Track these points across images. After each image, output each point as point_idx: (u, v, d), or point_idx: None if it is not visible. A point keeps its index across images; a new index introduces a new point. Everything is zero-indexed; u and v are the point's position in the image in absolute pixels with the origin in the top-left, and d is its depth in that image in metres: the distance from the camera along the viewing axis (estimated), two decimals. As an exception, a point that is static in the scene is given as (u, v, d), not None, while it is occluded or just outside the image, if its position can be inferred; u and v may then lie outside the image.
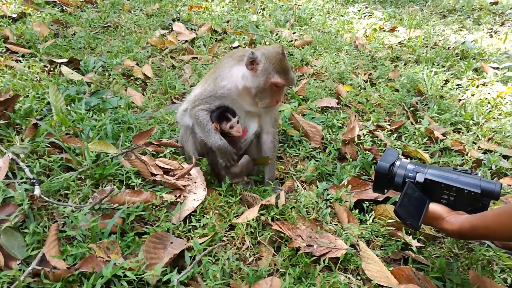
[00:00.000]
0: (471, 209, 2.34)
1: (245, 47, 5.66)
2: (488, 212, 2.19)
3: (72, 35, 5.31)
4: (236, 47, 5.71)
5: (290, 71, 3.00)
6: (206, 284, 2.26)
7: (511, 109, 4.76)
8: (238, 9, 7.36)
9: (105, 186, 2.88)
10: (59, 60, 4.44)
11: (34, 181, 2.70)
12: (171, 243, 2.48)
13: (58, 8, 6.09)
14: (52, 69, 4.33)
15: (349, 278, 2.51)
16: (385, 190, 2.65)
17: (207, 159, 3.20)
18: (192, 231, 2.66)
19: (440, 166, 3.75)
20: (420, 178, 2.42)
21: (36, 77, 4.11)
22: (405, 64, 5.91)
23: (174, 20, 6.32)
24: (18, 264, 2.24)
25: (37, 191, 2.58)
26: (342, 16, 7.84)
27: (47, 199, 2.59)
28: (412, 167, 2.49)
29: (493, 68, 5.76)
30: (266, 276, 2.42)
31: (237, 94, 3.06)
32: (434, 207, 2.36)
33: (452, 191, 2.36)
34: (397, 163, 2.54)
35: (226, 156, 3.06)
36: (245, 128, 3.20)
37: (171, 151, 3.34)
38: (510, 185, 3.59)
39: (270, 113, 3.22)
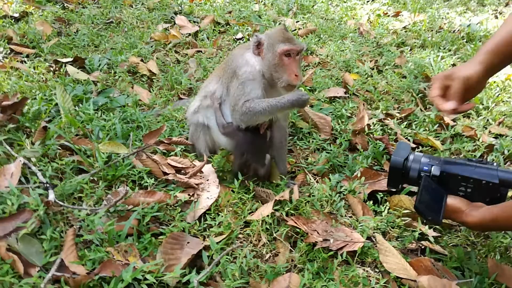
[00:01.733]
0: (489, 200, 2.32)
1: (249, 39, 5.61)
2: (510, 203, 2.17)
3: (75, 32, 5.28)
4: (240, 39, 5.66)
5: (296, 39, 2.94)
6: (226, 284, 2.26)
7: (520, 91, 4.72)
8: (240, -1, 7.29)
9: (118, 187, 2.87)
10: (64, 60, 4.42)
11: (48, 185, 2.70)
12: (188, 243, 2.48)
13: (59, 6, 6.04)
14: (57, 68, 4.31)
15: (367, 271, 2.51)
16: (400, 186, 2.63)
17: (236, 161, 3.11)
18: (208, 230, 2.66)
19: (452, 152, 3.73)
20: (436, 171, 2.39)
21: (42, 78, 4.10)
22: (411, 50, 5.85)
23: (176, 13, 6.27)
24: (37, 271, 2.24)
25: (51, 196, 2.57)
26: (345, 2, 7.75)
27: (61, 203, 2.58)
28: (426, 160, 2.46)
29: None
30: (284, 272, 2.42)
31: (258, 78, 2.99)
32: (452, 201, 2.33)
33: (470, 182, 2.33)
34: (411, 157, 2.51)
35: (303, 101, 2.87)
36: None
37: (181, 149, 3.33)
38: (523, 170, 3.56)
39: None
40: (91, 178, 2.91)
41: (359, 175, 3.18)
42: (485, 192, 2.33)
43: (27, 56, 4.54)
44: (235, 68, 3.03)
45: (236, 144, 3.11)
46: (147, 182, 2.91)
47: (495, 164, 2.40)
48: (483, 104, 4.49)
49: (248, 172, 3.07)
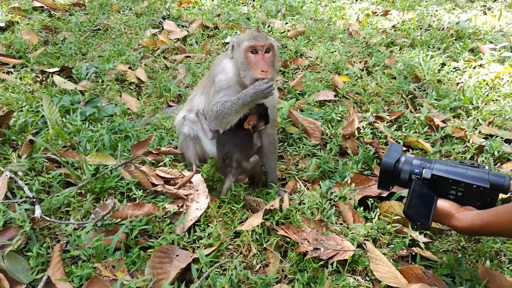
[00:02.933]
0: (480, 204, 2.31)
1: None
2: (501, 208, 2.15)
3: (62, 41, 5.23)
4: (229, 43, 5.62)
5: (266, 36, 2.92)
6: (215, 298, 2.24)
7: (509, 90, 4.72)
8: (228, 1, 7.25)
9: (106, 200, 2.85)
10: (51, 70, 4.38)
11: (34, 200, 2.67)
12: (177, 255, 2.46)
13: (46, 14, 5.99)
14: (44, 79, 4.27)
15: (358, 280, 2.50)
16: (391, 187, 2.62)
17: (219, 153, 3.08)
18: (197, 241, 2.64)
19: (442, 154, 3.72)
20: (427, 174, 2.37)
21: (29, 89, 4.06)
22: (400, 49, 5.85)
23: (164, 18, 6.23)
24: (24, 289, 2.22)
25: (37, 211, 2.54)
26: (333, 2, 7.74)
27: (48, 218, 2.56)
28: (417, 162, 2.45)
29: (490, 48, 5.70)
30: (275, 284, 2.40)
31: (234, 84, 2.95)
32: (443, 204, 2.32)
33: (461, 186, 2.32)
34: (402, 158, 2.49)
35: (263, 90, 2.72)
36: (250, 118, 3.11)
37: (170, 158, 3.31)
38: (513, 170, 3.57)
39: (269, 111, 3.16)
40: (79, 191, 2.89)
41: (349, 181, 3.16)
42: (476, 196, 2.31)
43: (14, 66, 4.50)
44: (214, 76, 3.02)
45: (218, 138, 3.09)
46: (135, 194, 2.88)
47: (487, 167, 2.39)
48: (472, 104, 4.49)
49: (231, 164, 3.02)
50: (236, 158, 3.00)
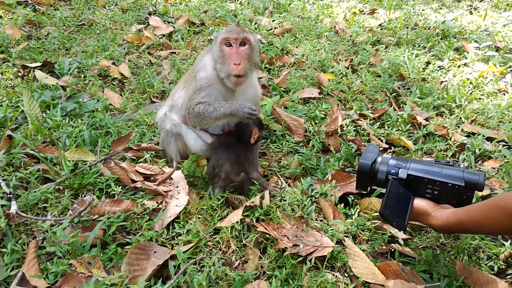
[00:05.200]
0: (456, 202, 2.33)
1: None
2: (474, 206, 2.17)
3: (45, 36, 5.16)
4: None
5: (243, 30, 2.93)
6: (192, 294, 2.22)
7: (492, 88, 4.76)
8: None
9: (84, 196, 2.82)
10: (33, 65, 4.32)
11: (11, 195, 2.64)
12: (155, 252, 2.43)
13: (30, 8, 5.90)
14: (25, 74, 4.21)
15: (336, 276, 2.50)
16: (368, 188, 2.63)
17: (212, 160, 3.05)
18: (176, 238, 2.62)
19: (425, 152, 3.74)
20: (403, 174, 2.39)
21: (10, 84, 4.00)
22: (386, 48, 5.87)
23: (150, 14, 6.19)
24: (-3, 286, 2.19)
25: (13, 207, 2.51)
26: (321, 0, 7.74)
27: (24, 215, 2.52)
28: (394, 162, 2.47)
29: (474, 47, 5.74)
30: (253, 280, 2.39)
31: (215, 81, 2.96)
32: (419, 203, 2.34)
33: (436, 185, 2.34)
34: (379, 159, 2.51)
35: (245, 110, 2.80)
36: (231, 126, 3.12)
37: (151, 154, 3.28)
38: (494, 168, 3.59)
39: None
40: (57, 187, 2.85)
41: (330, 178, 3.16)
42: (451, 194, 2.33)
43: (-5, 61, 4.43)
44: (195, 72, 3.02)
45: (217, 144, 3.07)
46: (114, 190, 2.85)
47: (462, 165, 2.41)
48: (455, 102, 4.52)
49: (219, 174, 2.99)
50: (225, 169, 2.98)
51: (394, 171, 2.44)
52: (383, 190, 3.01)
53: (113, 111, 3.94)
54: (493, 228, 2.08)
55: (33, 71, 4.19)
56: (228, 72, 2.82)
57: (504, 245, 2.70)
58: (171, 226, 2.69)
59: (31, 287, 2.16)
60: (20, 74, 4.22)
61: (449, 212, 2.22)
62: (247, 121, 2.88)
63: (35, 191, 2.74)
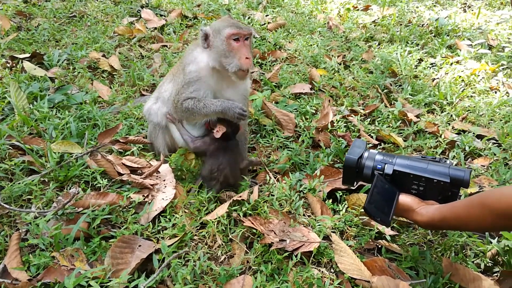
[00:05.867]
0: (441, 198, 2.32)
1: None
2: (459, 203, 2.16)
3: (35, 27, 5.11)
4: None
5: (243, 24, 2.94)
6: (175, 288, 2.20)
7: (484, 86, 4.76)
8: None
9: (70, 189, 2.78)
10: (21, 56, 4.27)
11: (-5, 187, 2.61)
12: (139, 246, 2.41)
13: (21, -1, 5.85)
14: (14, 65, 4.16)
15: (322, 272, 2.48)
16: (355, 183, 2.62)
17: (208, 163, 2.99)
18: (161, 232, 2.60)
19: (415, 149, 3.73)
20: (388, 169, 2.38)
21: (-3, 75, 3.95)
22: (379, 44, 5.85)
23: (142, 7, 6.14)
24: (-22, 278, 2.15)
25: (-4, 199, 2.48)
26: (315, -5, 7.71)
27: (7, 206, 2.49)
28: (380, 157, 2.45)
29: (467, 45, 5.73)
30: (238, 275, 2.37)
31: (206, 75, 2.93)
32: (404, 199, 2.33)
33: (422, 181, 2.33)
34: (365, 154, 2.50)
35: (236, 111, 2.83)
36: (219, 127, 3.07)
37: (139, 147, 3.25)
38: (484, 166, 3.59)
39: (239, 103, 3.12)
40: (42, 179, 2.82)
41: (319, 173, 3.14)
42: (437, 190, 2.32)
43: (-17, 52, 4.37)
44: (184, 65, 2.98)
45: (214, 149, 3.01)
46: (100, 183, 2.82)
47: (448, 162, 2.40)
48: (447, 100, 4.51)
49: (218, 178, 2.93)
50: (225, 174, 2.93)
51: (380, 166, 2.42)
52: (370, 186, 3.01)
53: (102, 104, 3.90)
54: (477, 225, 2.08)
55: (22, 62, 4.14)
56: (238, 66, 2.80)
57: (491, 242, 2.69)
58: (157, 220, 2.67)
59: (13, 280, 2.12)
60: (8, 65, 4.17)
61: (434, 209, 2.21)
62: (236, 121, 2.89)
63: (19, 183, 2.71)
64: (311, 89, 4.47)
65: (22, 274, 2.14)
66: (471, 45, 5.74)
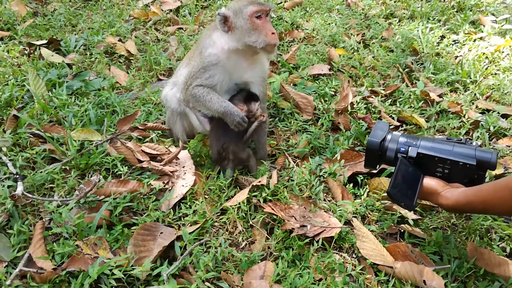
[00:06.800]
0: (467, 181, 2.26)
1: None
2: (485, 186, 2.11)
3: (51, 12, 5.11)
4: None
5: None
6: (197, 275, 2.20)
7: (509, 63, 4.61)
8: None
9: (91, 176, 2.80)
10: (38, 42, 4.27)
11: (17, 176, 2.63)
12: (161, 233, 2.42)
13: (36, -16, 5.83)
14: (31, 51, 4.17)
15: (344, 257, 2.47)
16: (377, 166, 2.58)
17: (214, 146, 3.00)
18: (182, 219, 2.60)
19: (437, 130, 3.65)
20: (412, 152, 2.32)
21: (16, 62, 3.97)
22: (399, 21, 5.69)
23: (157, -12, 6.06)
24: (4, 267, 2.20)
25: (19, 188, 2.51)
26: (333, -28, 7.51)
27: (30, 195, 2.52)
28: (404, 140, 2.39)
29: (491, 20, 5.54)
30: (259, 261, 2.38)
31: (225, 58, 2.89)
32: (429, 182, 2.28)
33: (447, 164, 2.27)
34: (388, 137, 2.44)
35: (236, 119, 2.83)
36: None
37: (158, 133, 3.25)
38: (509, 146, 3.50)
39: (258, 86, 3.08)
40: (63, 167, 2.84)
41: (339, 157, 3.10)
42: (462, 173, 2.26)
43: (1, 39, 4.39)
44: (202, 48, 2.94)
45: (211, 130, 3.02)
46: (121, 170, 2.83)
47: (474, 143, 2.33)
48: (470, 78, 4.38)
49: (228, 157, 2.93)
50: (232, 150, 2.91)
51: (403, 149, 2.37)
52: (393, 169, 2.96)
53: (120, 89, 3.90)
54: (503, 209, 2.03)
55: (39, 48, 4.15)
56: (266, 42, 2.79)
57: (517, 226, 2.64)
58: (177, 207, 2.68)
59: (38, 269, 2.16)
60: (26, 52, 4.18)
61: (459, 192, 2.16)
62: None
63: (41, 172, 2.74)
64: (330, 69, 4.39)
65: (47, 263, 2.17)
66: (495, 20, 5.54)
